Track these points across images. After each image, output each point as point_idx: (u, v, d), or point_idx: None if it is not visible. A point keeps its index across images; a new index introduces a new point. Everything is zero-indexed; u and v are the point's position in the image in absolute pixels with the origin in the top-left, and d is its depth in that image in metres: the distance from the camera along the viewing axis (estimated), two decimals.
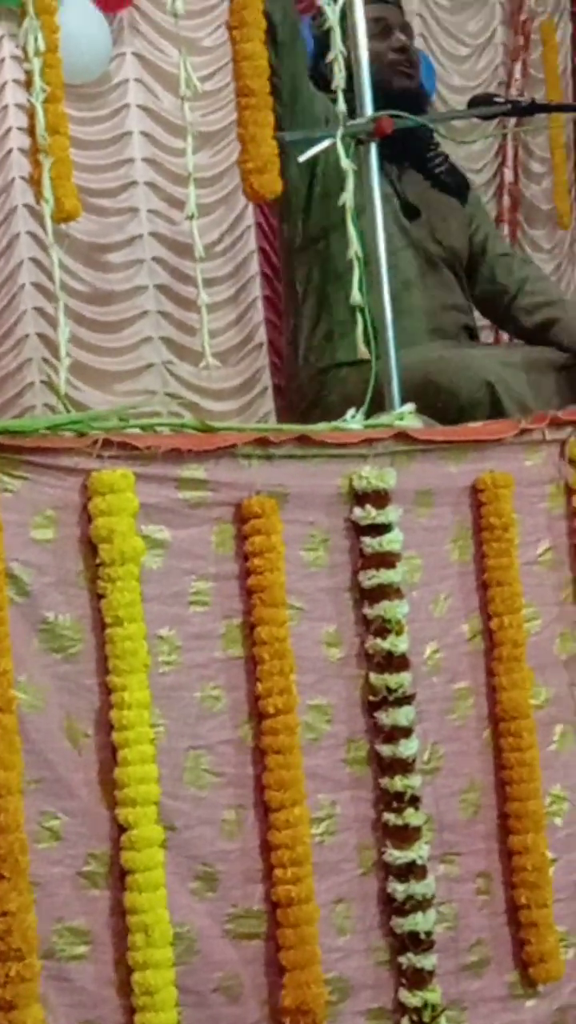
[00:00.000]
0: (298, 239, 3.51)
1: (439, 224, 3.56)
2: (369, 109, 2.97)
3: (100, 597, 2.25)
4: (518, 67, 7.52)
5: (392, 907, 2.54)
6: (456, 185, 3.63)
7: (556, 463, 2.81)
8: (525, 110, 3.47)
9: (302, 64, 3.26)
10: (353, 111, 2.92)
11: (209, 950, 2.34)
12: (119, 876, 2.25)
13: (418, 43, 7.06)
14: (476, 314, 3.81)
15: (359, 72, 2.96)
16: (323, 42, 2.99)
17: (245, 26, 2.69)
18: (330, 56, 2.81)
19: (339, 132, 2.87)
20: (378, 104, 2.96)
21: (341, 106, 2.82)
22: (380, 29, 3.49)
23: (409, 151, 3.47)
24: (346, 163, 2.85)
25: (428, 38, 7.32)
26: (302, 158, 3.07)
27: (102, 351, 6.33)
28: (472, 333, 3.62)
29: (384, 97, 3.02)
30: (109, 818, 2.26)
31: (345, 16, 2.87)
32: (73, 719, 2.23)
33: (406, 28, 3.67)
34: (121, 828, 2.25)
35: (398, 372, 2.93)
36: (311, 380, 3.46)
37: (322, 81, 3.37)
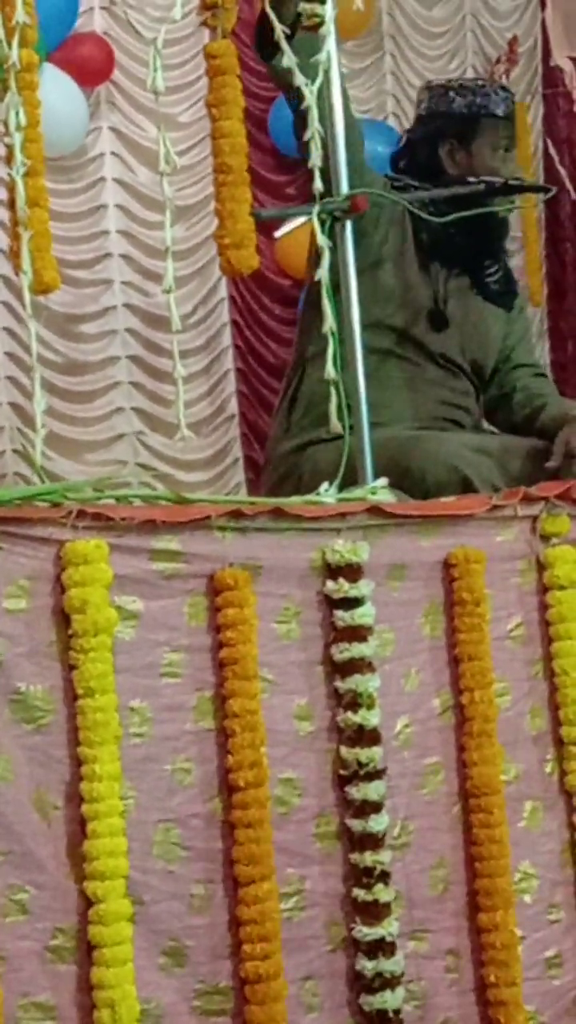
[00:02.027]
0: (304, 313, 3.54)
1: (471, 336, 3.56)
2: (345, 186, 3.00)
3: (72, 668, 2.24)
4: None
5: (361, 984, 2.52)
6: (503, 296, 3.64)
7: (528, 539, 2.82)
8: (498, 190, 3.51)
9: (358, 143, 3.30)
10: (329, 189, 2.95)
11: None
12: (86, 951, 2.23)
13: (392, 121, 7.18)
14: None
15: (335, 150, 3.00)
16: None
17: (224, 104, 2.73)
18: (307, 135, 2.84)
19: (315, 209, 2.90)
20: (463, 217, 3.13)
21: (317, 184, 2.85)
22: (506, 149, 3.57)
23: (465, 258, 3.51)
24: (321, 240, 2.88)
25: (401, 117, 7.42)
26: (277, 234, 3.11)
27: (74, 421, 6.35)
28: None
29: (477, 217, 3.15)
30: (77, 891, 2.24)
31: (321, 95, 2.91)
32: (43, 791, 2.22)
33: None
34: (89, 902, 2.23)
35: (371, 447, 2.95)
36: (288, 453, 3.47)
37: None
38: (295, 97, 3.05)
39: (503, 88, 3.67)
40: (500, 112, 3.55)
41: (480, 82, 3.72)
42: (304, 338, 3.51)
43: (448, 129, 3.55)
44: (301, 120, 3.03)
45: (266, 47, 2.95)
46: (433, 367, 3.50)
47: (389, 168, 3.64)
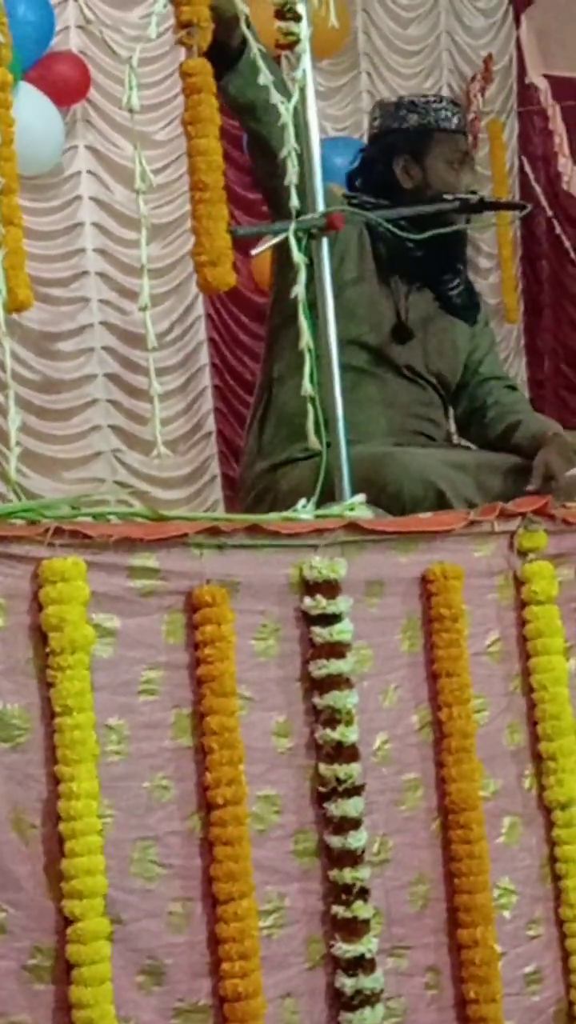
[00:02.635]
0: (272, 333, 3.55)
1: (434, 349, 3.58)
2: (321, 204, 3.01)
3: (49, 686, 2.23)
4: None
5: (340, 1002, 2.51)
6: (466, 309, 3.66)
7: (505, 554, 2.82)
8: (474, 208, 3.53)
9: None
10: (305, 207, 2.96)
11: None
12: (64, 970, 2.22)
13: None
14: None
15: (311, 168, 3.01)
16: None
17: (199, 122, 2.73)
18: (283, 152, 2.85)
19: (291, 226, 2.90)
20: (422, 226, 3.15)
21: (294, 201, 2.85)
22: (463, 163, 3.59)
23: (426, 273, 3.52)
24: (298, 257, 2.88)
25: None
26: (254, 252, 3.11)
27: (51, 439, 6.35)
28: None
29: (438, 225, 3.17)
30: (55, 910, 2.23)
31: (297, 112, 2.92)
32: (20, 809, 2.21)
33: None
34: (67, 921, 2.22)
35: (349, 463, 2.95)
36: (263, 472, 3.47)
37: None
38: (249, 118, 3.08)
39: (454, 103, 3.71)
40: (452, 126, 3.58)
41: (431, 97, 3.75)
42: (271, 357, 3.53)
43: (401, 145, 3.57)
44: (253, 140, 3.04)
45: (217, 69, 2.97)
46: (402, 382, 3.52)
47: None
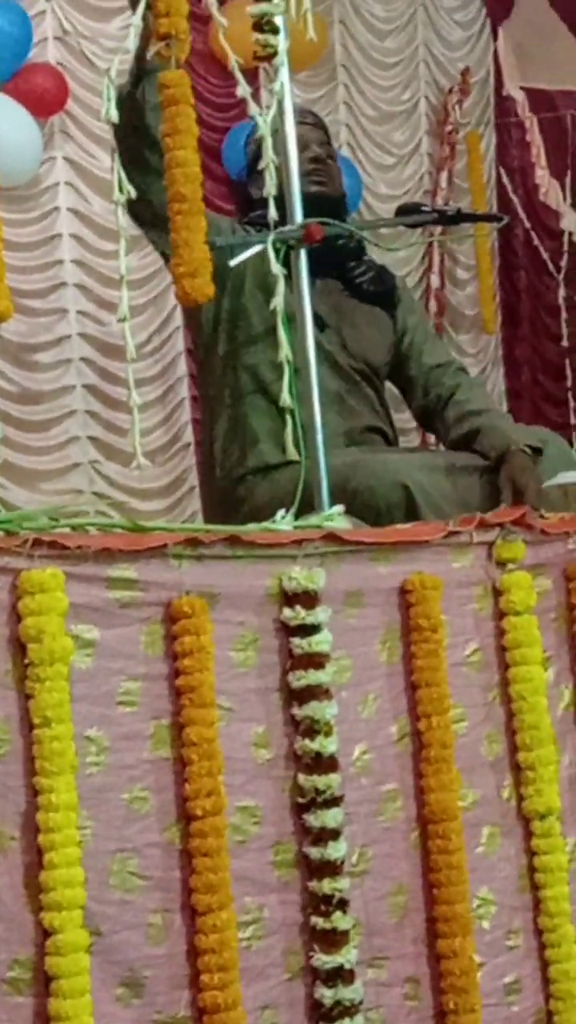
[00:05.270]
0: (209, 353, 3.56)
1: (351, 335, 3.59)
2: (299, 216, 3.02)
3: (28, 697, 2.23)
4: (444, 176, 7.68)
5: (319, 1013, 2.51)
6: (379, 295, 3.66)
7: (483, 565, 2.83)
8: (451, 219, 3.54)
9: None
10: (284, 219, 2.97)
11: None
12: (43, 982, 2.21)
13: (345, 152, 7.22)
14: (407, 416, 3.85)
15: (289, 180, 3.02)
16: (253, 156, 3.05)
17: (177, 133, 2.73)
18: (262, 164, 2.86)
19: (270, 238, 2.91)
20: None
21: (272, 213, 2.86)
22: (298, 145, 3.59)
23: (328, 263, 3.51)
24: (277, 268, 2.89)
25: (355, 147, 7.47)
26: (233, 262, 3.12)
27: (29, 450, 6.33)
28: (387, 440, 3.65)
29: (303, 204, 3.09)
30: (34, 922, 2.22)
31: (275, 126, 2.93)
32: None
33: (324, 144, 3.76)
34: (46, 933, 2.21)
35: (327, 473, 2.96)
36: (230, 487, 3.49)
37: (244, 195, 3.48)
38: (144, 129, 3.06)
39: (302, 110, 3.68)
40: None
41: None
42: (204, 376, 3.56)
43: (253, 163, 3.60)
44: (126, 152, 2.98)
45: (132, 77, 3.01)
46: (338, 380, 3.52)
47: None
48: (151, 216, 3.13)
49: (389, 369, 3.71)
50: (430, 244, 7.15)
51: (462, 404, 3.62)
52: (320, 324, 3.49)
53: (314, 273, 3.38)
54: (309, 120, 3.72)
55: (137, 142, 3.12)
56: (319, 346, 3.32)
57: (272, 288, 2.92)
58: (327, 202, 3.46)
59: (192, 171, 2.71)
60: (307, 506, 2.88)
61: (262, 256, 3.19)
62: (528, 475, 3.32)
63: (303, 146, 3.60)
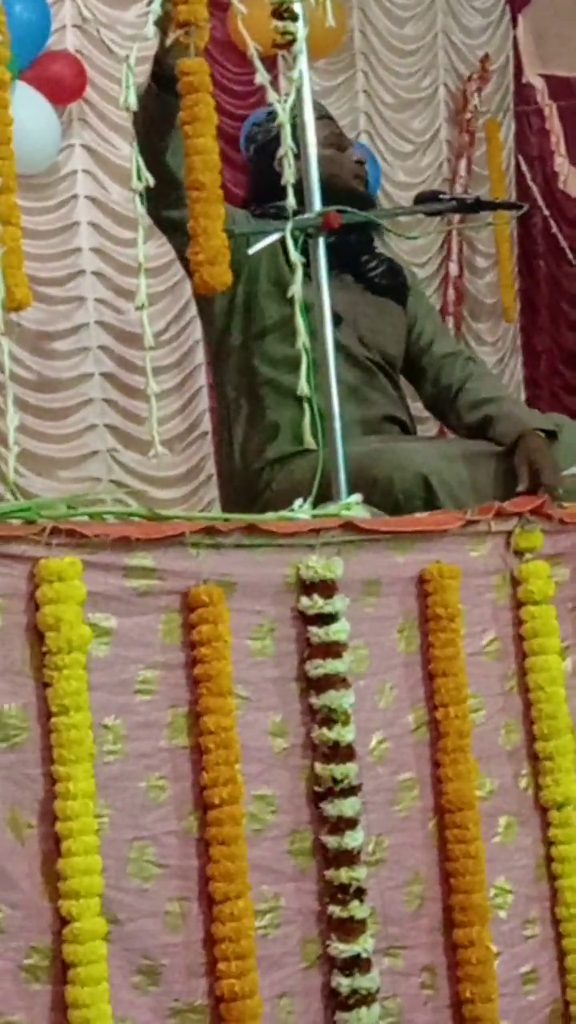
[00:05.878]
0: (223, 344, 3.55)
1: (367, 328, 3.58)
2: (318, 204, 3.01)
3: (46, 686, 2.23)
4: (463, 164, 7.66)
5: (336, 1002, 2.51)
6: (392, 288, 3.65)
7: (502, 554, 2.83)
8: (470, 207, 3.53)
9: None
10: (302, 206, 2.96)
11: None
12: (61, 970, 2.22)
13: (363, 140, 7.21)
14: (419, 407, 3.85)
15: (308, 167, 3.01)
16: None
17: (196, 121, 2.72)
18: (280, 151, 2.85)
19: (288, 226, 2.90)
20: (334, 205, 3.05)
21: (291, 200, 2.86)
22: (339, 142, 3.63)
23: (341, 257, 3.50)
24: (295, 256, 2.88)
25: (373, 135, 7.45)
26: (251, 250, 3.11)
27: (47, 438, 6.34)
28: (405, 429, 3.64)
29: (346, 201, 3.12)
30: (52, 910, 2.23)
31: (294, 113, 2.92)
32: (16, 810, 2.21)
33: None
34: (64, 921, 2.22)
35: (345, 463, 2.95)
36: (249, 476, 3.48)
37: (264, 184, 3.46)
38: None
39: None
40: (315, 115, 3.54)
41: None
42: (218, 366, 3.56)
43: (276, 148, 3.55)
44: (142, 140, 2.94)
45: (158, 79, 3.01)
46: (355, 372, 3.52)
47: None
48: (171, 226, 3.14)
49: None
50: (449, 232, 7.14)
51: (474, 392, 3.61)
52: (336, 319, 3.48)
53: (328, 267, 3.39)
54: (325, 114, 3.71)
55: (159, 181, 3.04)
56: (335, 340, 3.32)
57: (287, 279, 2.92)
58: (369, 204, 3.50)
59: (211, 159, 2.70)
60: (325, 495, 2.87)
61: (277, 246, 3.20)
62: (544, 456, 3.30)
63: (343, 144, 3.61)
